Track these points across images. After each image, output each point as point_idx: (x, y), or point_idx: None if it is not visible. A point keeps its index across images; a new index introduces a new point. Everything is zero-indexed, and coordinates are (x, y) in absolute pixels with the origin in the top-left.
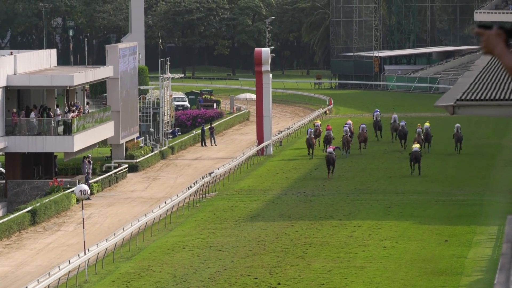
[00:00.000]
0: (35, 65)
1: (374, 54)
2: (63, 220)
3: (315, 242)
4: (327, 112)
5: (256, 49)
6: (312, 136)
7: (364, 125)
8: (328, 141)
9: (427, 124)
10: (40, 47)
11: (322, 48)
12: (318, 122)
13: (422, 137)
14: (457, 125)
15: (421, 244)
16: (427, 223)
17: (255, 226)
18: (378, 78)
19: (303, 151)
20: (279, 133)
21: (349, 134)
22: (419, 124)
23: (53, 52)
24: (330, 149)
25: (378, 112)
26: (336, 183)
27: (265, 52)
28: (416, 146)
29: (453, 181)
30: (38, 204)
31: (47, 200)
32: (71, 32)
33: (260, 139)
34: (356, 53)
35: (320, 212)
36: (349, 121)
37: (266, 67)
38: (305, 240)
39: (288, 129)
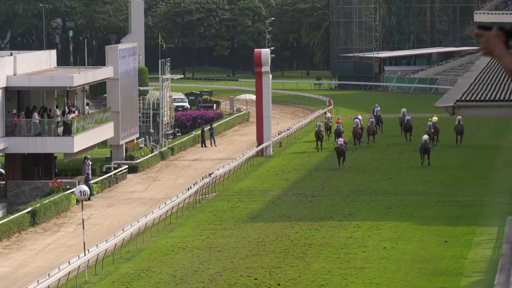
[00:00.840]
0: (35, 66)
1: (374, 55)
2: (63, 221)
3: (315, 243)
4: (327, 112)
5: (256, 50)
6: (322, 129)
7: (373, 119)
8: (338, 134)
9: (435, 118)
10: (40, 48)
11: (322, 49)
12: (329, 115)
13: (432, 130)
14: (459, 117)
15: (421, 245)
16: (427, 224)
17: (255, 227)
18: (378, 79)
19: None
20: (279, 134)
21: (359, 126)
22: (430, 118)
23: (53, 53)
24: (340, 141)
25: (378, 108)
26: (336, 184)
27: (265, 53)
28: (425, 136)
29: (453, 181)
30: (38, 205)
31: (47, 201)
32: (71, 33)
33: (260, 140)
34: (356, 54)
35: (320, 213)
36: (359, 116)
37: (266, 68)
38: (305, 241)
39: (288, 129)
